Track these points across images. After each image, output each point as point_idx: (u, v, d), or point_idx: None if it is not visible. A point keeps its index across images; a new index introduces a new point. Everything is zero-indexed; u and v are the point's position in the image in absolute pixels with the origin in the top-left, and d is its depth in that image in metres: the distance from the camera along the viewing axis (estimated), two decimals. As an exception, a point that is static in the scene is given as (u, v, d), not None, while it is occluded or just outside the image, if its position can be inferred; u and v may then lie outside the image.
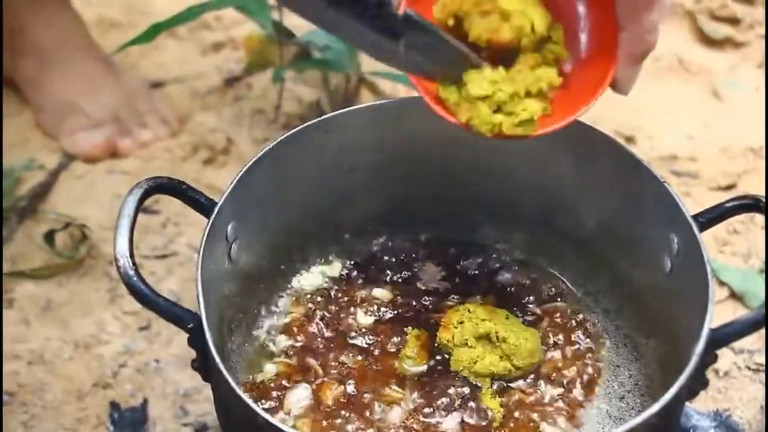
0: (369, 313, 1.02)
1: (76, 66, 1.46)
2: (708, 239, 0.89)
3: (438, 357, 0.98)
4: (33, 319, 1.24)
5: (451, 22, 0.87)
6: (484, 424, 0.92)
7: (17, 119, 1.49)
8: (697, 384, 0.85)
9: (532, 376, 0.97)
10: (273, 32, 1.39)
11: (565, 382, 0.97)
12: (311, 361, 0.97)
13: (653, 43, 0.86)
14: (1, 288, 1.25)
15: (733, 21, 1.68)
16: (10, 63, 1.48)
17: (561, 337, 1.00)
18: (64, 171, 1.42)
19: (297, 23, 1.59)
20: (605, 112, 1.52)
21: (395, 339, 1.00)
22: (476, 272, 1.06)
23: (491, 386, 0.95)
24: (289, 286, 1.05)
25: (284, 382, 0.96)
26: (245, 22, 1.60)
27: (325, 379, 0.96)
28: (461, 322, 0.98)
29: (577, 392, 0.96)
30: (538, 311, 1.03)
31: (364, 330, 1.00)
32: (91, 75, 1.46)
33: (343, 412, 0.93)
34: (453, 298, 1.03)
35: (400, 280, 1.05)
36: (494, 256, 1.08)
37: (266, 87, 1.54)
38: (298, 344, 0.99)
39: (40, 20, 1.45)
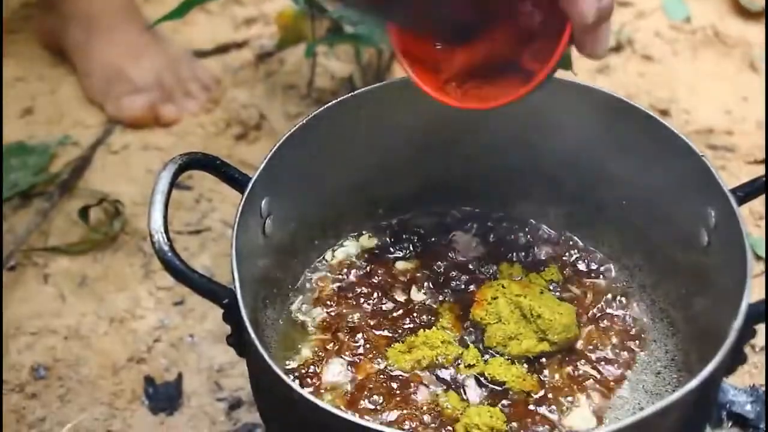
0: (403, 286, 1.02)
1: (122, 33, 1.48)
2: (744, 213, 0.88)
3: (471, 329, 0.97)
4: (68, 295, 1.25)
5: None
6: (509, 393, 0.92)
7: (53, 96, 1.50)
8: (735, 359, 0.85)
9: (567, 350, 0.96)
10: (305, 7, 1.38)
11: (600, 356, 0.96)
12: (345, 336, 0.97)
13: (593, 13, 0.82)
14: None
15: (770, -8, 1.66)
16: (60, 30, 1.51)
17: (596, 312, 1.00)
18: (99, 147, 1.43)
19: (329, -3, 1.59)
20: (641, 86, 1.51)
21: (429, 312, 0.99)
22: (512, 247, 1.05)
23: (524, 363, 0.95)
24: (323, 260, 1.05)
25: (319, 357, 0.96)
26: (278, -3, 1.59)
27: (360, 353, 0.96)
28: (495, 298, 0.97)
29: (613, 367, 0.96)
30: (573, 286, 1.02)
31: (398, 303, 1.00)
32: (136, 42, 1.48)
33: (378, 386, 0.93)
34: (487, 273, 1.03)
35: (434, 255, 1.05)
36: (530, 230, 1.07)
37: (298, 62, 1.53)
38: (332, 319, 0.99)
39: None
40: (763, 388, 1.11)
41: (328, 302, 1.01)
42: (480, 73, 0.92)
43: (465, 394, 0.92)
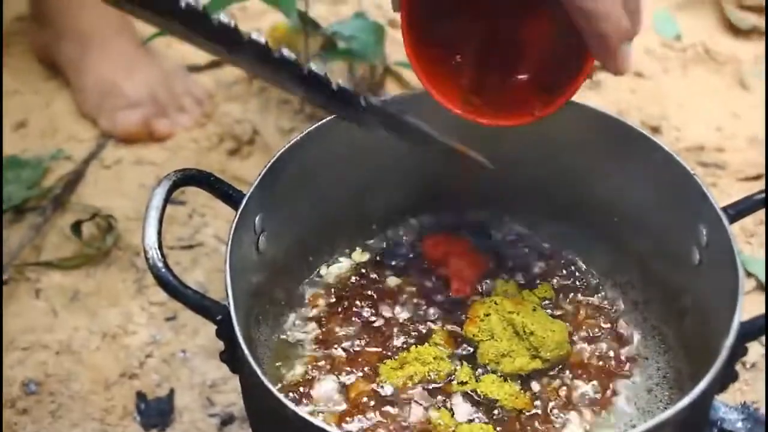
0: (396, 302, 1.02)
1: (116, 48, 1.48)
2: (735, 230, 0.88)
3: (465, 346, 0.98)
4: (60, 310, 1.25)
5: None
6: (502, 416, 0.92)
7: (47, 110, 1.51)
8: (727, 377, 0.85)
9: (559, 368, 0.96)
10: (298, 22, 1.39)
11: (592, 374, 0.96)
12: (338, 353, 0.97)
13: (627, 31, 0.84)
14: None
15: (760, 10, 1.67)
16: (54, 45, 1.51)
17: (589, 328, 1.00)
18: (92, 161, 1.43)
19: (322, 14, 1.60)
20: (632, 103, 1.52)
21: (422, 328, 1.00)
22: (505, 264, 1.05)
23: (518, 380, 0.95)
24: (316, 276, 1.05)
25: (312, 374, 0.96)
26: (270, 13, 1.60)
27: (353, 371, 0.96)
28: (488, 315, 0.98)
29: (605, 385, 0.96)
30: (565, 303, 1.02)
31: (390, 319, 1.00)
32: (130, 56, 1.48)
33: (370, 403, 0.93)
34: (480, 289, 1.03)
35: (426, 270, 1.05)
36: (522, 247, 1.07)
37: (292, 77, 1.53)
38: (325, 335, 0.99)
39: (80, 2, 1.48)
40: (754, 406, 1.11)
41: (322, 319, 1.01)
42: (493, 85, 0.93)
43: (457, 411, 0.92)
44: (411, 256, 1.06)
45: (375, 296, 1.02)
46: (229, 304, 0.83)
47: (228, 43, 0.74)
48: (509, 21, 0.93)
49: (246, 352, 0.81)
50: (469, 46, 0.94)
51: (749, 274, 1.26)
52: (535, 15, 0.92)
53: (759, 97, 1.54)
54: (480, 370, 0.95)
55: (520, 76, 0.94)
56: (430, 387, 0.94)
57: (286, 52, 0.76)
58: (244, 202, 0.90)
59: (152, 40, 1.37)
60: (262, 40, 0.75)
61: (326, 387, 0.94)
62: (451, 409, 0.92)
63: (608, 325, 1.01)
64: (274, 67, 0.77)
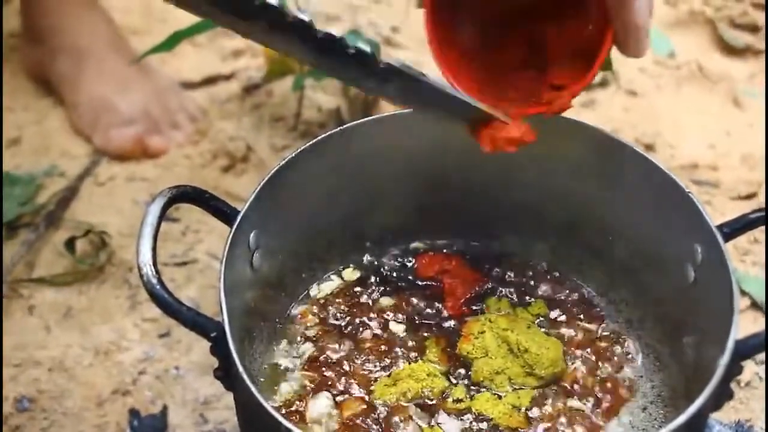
0: (389, 320, 1.02)
1: (110, 64, 1.48)
2: (729, 248, 0.88)
3: (459, 363, 0.97)
4: (53, 326, 1.24)
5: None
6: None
7: (39, 126, 1.50)
8: (722, 396, 0.85)
9: (553, 385, 0.96)
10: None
11: (586, 391, 0.96)
12: (331, 371, 0.97)
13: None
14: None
15: (753, 29, 1.68)
16: (47, 62, 1.51)
17: (583, 346, 1.00)
18: (85, 178, 1.43)
19: (317, 31, 1.60)
20: (626, 121, 1.52)
21: (416, 346, 0.99)
22: (499, 281, 1.05)
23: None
24: (310, 294, 1.05)
25: (305, 392, 0.95)
26: (265, 29, 1.60)
27: (346, 388, 0.95)
28: (482, 332, 0.98)
29: (599, 402, 0.96)
30: (560, 320, 1.02)
31: (384, 337, 1.00)
32: (125, 73, 1.48)
33: (364, 421, 0.93)
34: (474, 307, 1.03)
35: (420, 288, 1.05)
36: (517, 265, 1.07)
37: (286, 95, 1.54)
38: (319, 353, 0.99)
39: (74, 19, 1.48)
40: (749, 424, 1.11)
41: (315, 336, 1.00)
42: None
43: (450, 429, 0.92)
44: (405, 273, 1.06)
45: (368, 314, 1.02)
46: (223, 320, 0.83)
47: (239, 11, 0.72)
48: (532, 20, 0.94)
49: (240, 369, 0.81)
50: (489, 43, 0.94)
51: (744, 293, 1.26)
52: (557, 16, 0.93)
53: (752, 115, 1.54)
54: (474, 388, 0.95)
55: (533, 74, 0.94)
56: (424, 404, 0.94)
57: (300, 14, 0.74)
58: (238, 218, 0.90)
59: (146, 57, 1.37)
60: (274, 1, 0.72)
61: (320, 404, 0.94)
62: (445, 427, 0.92)
63: (603, 343, 1.00)
64: (287, 34, 0.74)
